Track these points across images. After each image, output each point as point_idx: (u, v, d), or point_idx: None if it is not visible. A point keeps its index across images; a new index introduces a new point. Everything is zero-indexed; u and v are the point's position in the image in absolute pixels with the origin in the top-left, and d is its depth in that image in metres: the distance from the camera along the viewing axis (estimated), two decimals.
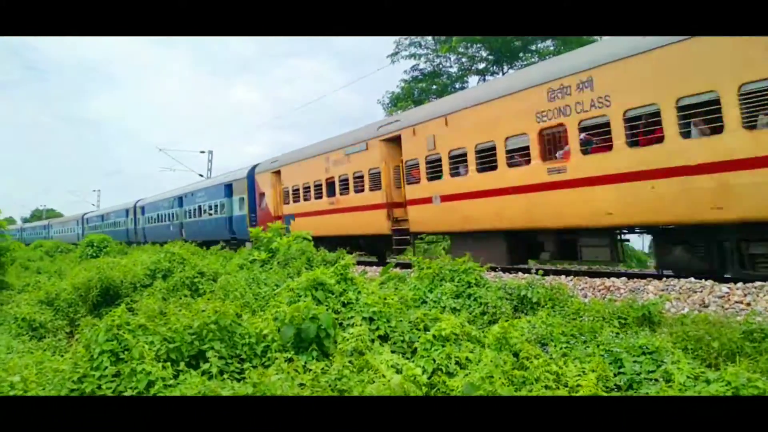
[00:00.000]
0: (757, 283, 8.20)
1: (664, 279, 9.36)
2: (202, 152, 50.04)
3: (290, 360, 5.15)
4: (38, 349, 6.88)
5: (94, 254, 22.14)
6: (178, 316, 5.77)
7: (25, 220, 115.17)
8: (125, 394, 4.43)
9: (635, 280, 9.78)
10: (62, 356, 5.70)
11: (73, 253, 27.71)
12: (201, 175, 45.39)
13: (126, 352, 4.75)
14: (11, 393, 4.41)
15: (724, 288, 8.23)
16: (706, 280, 8.86)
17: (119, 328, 5.00)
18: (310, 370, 4.90)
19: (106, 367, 4.62)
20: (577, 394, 4.38)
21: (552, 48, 31.66)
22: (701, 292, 8.33)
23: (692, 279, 9.03)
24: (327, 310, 6.33)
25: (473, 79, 35.77)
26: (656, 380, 4.75)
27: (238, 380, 4.91)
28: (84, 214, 61.43)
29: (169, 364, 4.89)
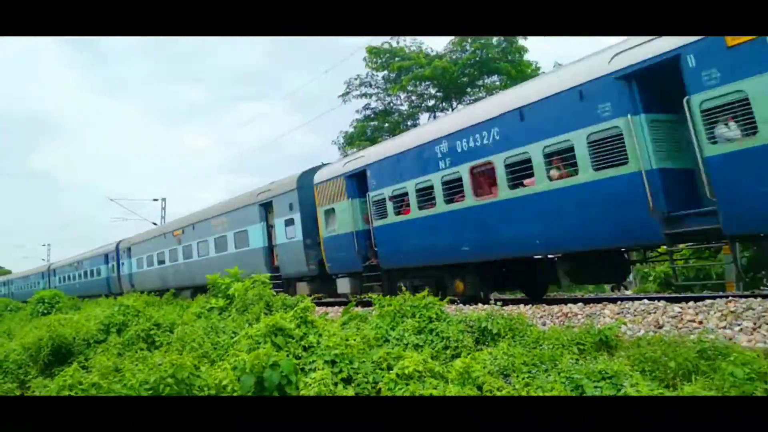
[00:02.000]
0: (708, 301, 8.45)
1: (619, 302, 9.57)
2: (155, 200, 49.23)
3: None
4: None
5: (46, 311, 21.37)
6: (134, 371, 5.60)
7: None
8: None
9: (592, 305, 9.97)
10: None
11: (23, 311, 26.67)
12: (154, 224, 44.46)
13: None
14: None
15: (676, 308, 8.44)
16: (659, 301, 9.09)
17: (72, 389, 4.84)
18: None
19: None
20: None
21: (498, 83, 32.55)
22: (655, 313, 8.53)
23: (646, 300, 9.25)
24: (288, 355, 6.25)
25: (424, 116, 36.40)
26: None
27: None
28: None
29: None
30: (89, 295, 34.40)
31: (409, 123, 35.53)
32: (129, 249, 34.44)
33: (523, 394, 5.12)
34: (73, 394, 4.74)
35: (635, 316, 8.68)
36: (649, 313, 8.60)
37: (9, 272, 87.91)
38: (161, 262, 29.78)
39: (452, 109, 33.73)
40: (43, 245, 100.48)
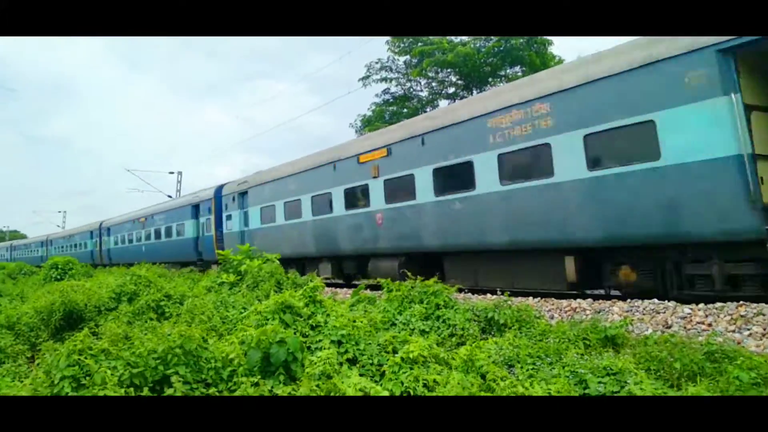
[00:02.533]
0: (718, 304, 8.39)
1: (629, 300, 9.53)
2: (171, 173, 49.54)
3: (256, 385, 5.10)
4: None
5: (59, 277, 21.63)
6: (143, 340, 5.67)
7: None
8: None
9: (601, 301, 9.94)
10: (21, 382, 5.56)
11: (36, 276, 27.03)
12: (170, 196, 44.84)
13: (87, 378, 4.66)
14: None
15: (686, 309, 8.40)
16: (668, 301, 9.04)
17: (81, 353, 4.91)
18: (277, 394, 4.86)
19: (67, 393, 4.52)
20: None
21: (520, 74, 32.27)
22: (664, 313, 8.49)
23: (656, 300, 9.20)
24: (295, 333, 6.31)
25: (443, 103, 36.21)
26: None
27: None
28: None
29: (132, 389, 4.81)
30: None
31: (428, 109, 35.35)
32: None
33: (527, 385, 5.13)
34: (82, 358, 4.81)
35: (644, 314, 8.66)
36: (658, 313, 8.57)
37: (24, 236, 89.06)
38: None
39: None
40: (59, 212, 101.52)
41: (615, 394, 4.95)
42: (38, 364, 5.10)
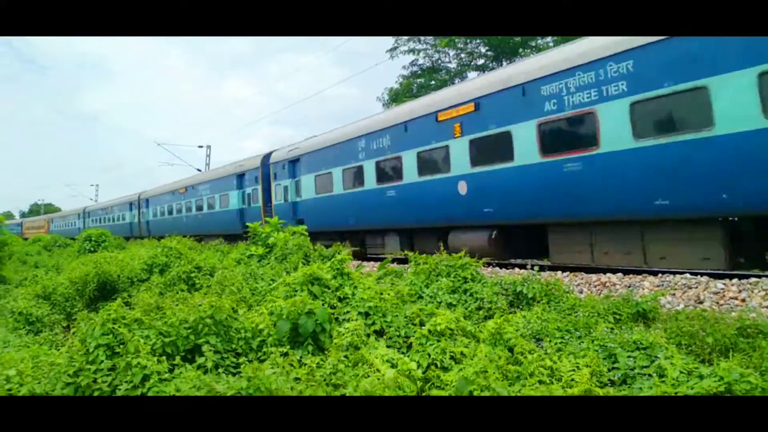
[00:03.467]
0: (752, 279, 8.22)
1: (660, 275, 9.39)
2: (200, 147, 49.96)
3: (285, 354, 5.16)
4: (35, 343, 6.89)
5: (92, 249, 22.13)
6: (174, 310, 5.77)
7: (23, 215, 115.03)
8: (120, 387, 4.44)
9: (631, 275, 9.81)
10: (58, 350, 5.71)
11: (71, 248, 27.68)
12: (199, 170, 45.29)
13: (121, 346, 4.76)
14: (7, 386, 4.42)
15: (719, 284, 8.25)
16: (701, 276, 8.89)
17: (115, 323, 5.01)
18: (306, 364, 4.92)
19: (102, 361, 4.63)
20: (572, 390, 4.39)
21: (551, 44, 31.60)
22: (696, 288, 8.36)
23: (687, 275, 9.05)
24: (323, 304, 6.35)
25: (472, 74, 35.75)
26: (650, 375, 4.77)
27: (233, 374, 4.93)
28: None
29: (164, 358, 4.90)
30: None
31: (456, 81, 34.92)
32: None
33: (555, 358, 5.11)
34: (116, 327, 4.91)
35: (675, 289, 8.53)
36: (690, 288, 8.44)
37: (59, 210, 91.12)
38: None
39: None
40: (92, 185, 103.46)
41: (645, 369, 4.90)
42: (74, 333, 5.21)
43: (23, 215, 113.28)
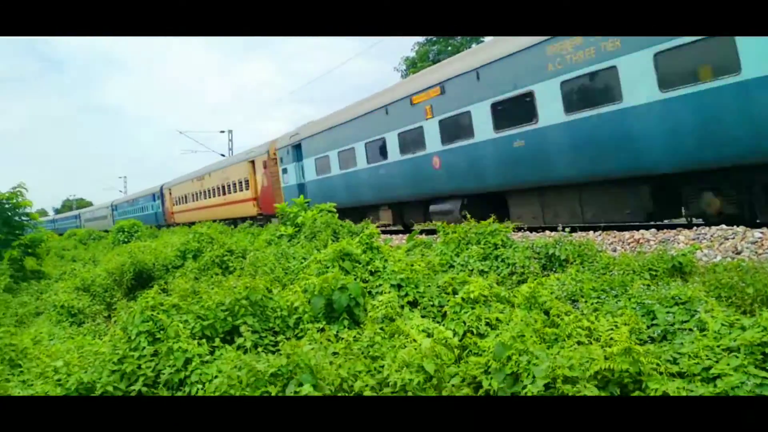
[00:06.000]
0: None
1: (695, 228, 9.20)
2: (222, 132, 50.28)
3: (322, 330, 5.22)
4: (78, 334, 7.07)
5: (126, 240, 22.56)
6: (210, 294, 5.87)
7: (56, 211, 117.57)
8: (164, 372, 4.54)
9: (665, 231, 9.64)
10: (101, 339, 5.86)
11: (105, 240, 28.25)
12: (222, 155, 45.64)
13: (162, 332, 4.86)
14: (56, 377, 4.56)
15: (756, 233, 8.05)
16: (737, 226, 8.69)
17: (153, 309, 5.12)
18: (342, 338, 4.96)
19: (144, 348, 4.74)
20: (611, 350, 4.35)
21: None
22: (733, 238, 8.17)
23: (723, 226, 8.85)
24: (355, 279, 6.39)
25: (488, 39, 35.13)
26: (690, 330, 4.70)
27: (272, 353, 4.99)
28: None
29: (204, 341, 5.00)
30: None
31: (472, 45, 34.35)
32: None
33: (592, 318, 5.06)
34: (155, 314, 5.01)
35: (711, 241, 8.36)
36: (727, 239, 8.25)
37: (90, 204, 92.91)
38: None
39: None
40: (120, 177, 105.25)
41: (685, 324, 4.83)
42: (115, 322, 5.35)
43: (57, 211, 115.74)
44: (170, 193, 41.01)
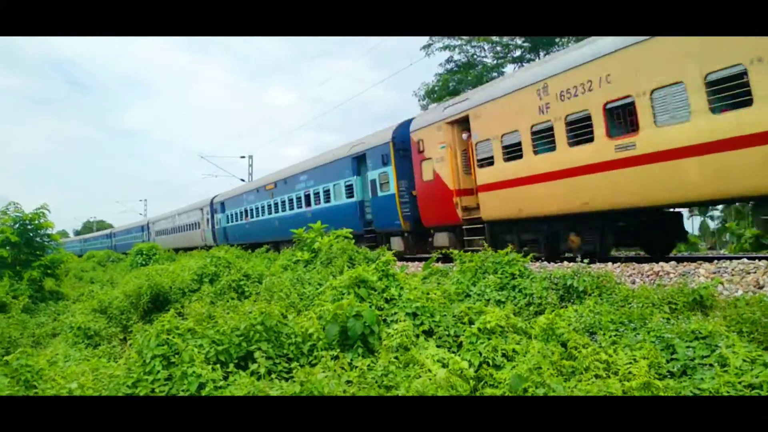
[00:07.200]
0: None
1: (716, 261, 9.07)
2: (242, 157, 50.72)
3: (336, 358, 5.18)
4: (94, 356, 7.09)
5: (143, 262, 22.76)
6: (226, 318, 5.87)
7: (76, 233, 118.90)
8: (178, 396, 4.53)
9: (685, 263, 9.51)
10: (116, 362, 5.87)
11: (123, 262, 28.52)
12: (242, 180, 46.00)
13: (177, 356, 4.86)
14: None
15: None
16: (759, 260, 8.55)
17: (169, 333, 5.13)
18: (356, 367, 4.92)
19: (159, 371, 4.74)
20: (629, 384, 4.27)
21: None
22: (755, 272, 8.03)
23: (745, 260, 8.72)
24: (370, 306, 6.35)
25: (509, 68, 35.37)
26: (711, 365, 4.61)
27: (286, 379, 4.97)
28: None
29: (218, 366, 4.99)
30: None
31: (494, 74, 34.59)
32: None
33: (610, 351, 4.99)
34: (171, 338, 5.02)
35: (733, 275, 8.22)
36: (749, 273, 8.11)
37: (111, 226, 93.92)
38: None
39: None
40: (140, 200, 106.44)
41: (705, 359, 4.73)
42: (130, 345, 5.36)
43: (77, 233, 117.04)
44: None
